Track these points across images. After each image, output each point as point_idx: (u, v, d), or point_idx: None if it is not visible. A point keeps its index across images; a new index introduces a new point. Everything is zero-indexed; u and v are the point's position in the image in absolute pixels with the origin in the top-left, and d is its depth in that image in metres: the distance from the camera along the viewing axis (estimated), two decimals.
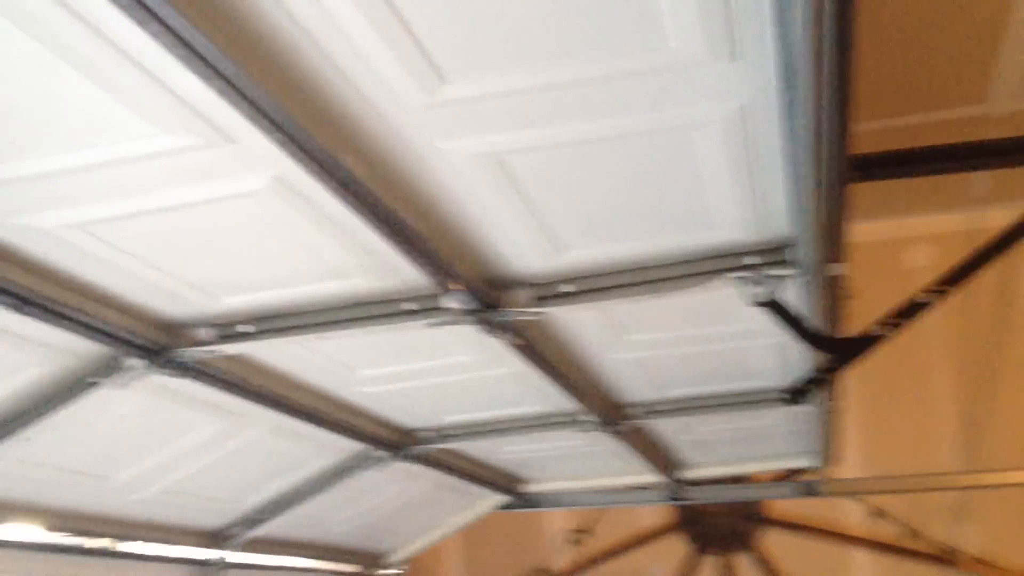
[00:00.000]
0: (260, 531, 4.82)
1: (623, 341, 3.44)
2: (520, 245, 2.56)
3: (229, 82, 1.60)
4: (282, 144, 1.81)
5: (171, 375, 2.94)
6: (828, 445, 5.06)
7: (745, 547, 8.08)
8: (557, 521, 8.45)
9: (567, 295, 2.77)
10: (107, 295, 2.65)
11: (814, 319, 2.71)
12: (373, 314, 2.83)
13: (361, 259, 2.55)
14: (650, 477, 5.99)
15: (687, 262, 2.66)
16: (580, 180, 2.25)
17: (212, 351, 2.92)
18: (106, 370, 2.88)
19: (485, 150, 2.08)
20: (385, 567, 6.67)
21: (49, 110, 1.82)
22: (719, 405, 4.20)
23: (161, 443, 3.65)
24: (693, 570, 8.14)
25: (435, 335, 3.20)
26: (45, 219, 2.21)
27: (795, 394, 2.65)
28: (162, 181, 2.09)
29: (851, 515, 7.81)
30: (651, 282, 2.68)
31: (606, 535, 8.35)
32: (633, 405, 4.35)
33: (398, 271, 2.63)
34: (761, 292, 2.54)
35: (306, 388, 3.69)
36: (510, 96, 1.88)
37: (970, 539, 7.55)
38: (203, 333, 2.91)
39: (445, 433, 4.56)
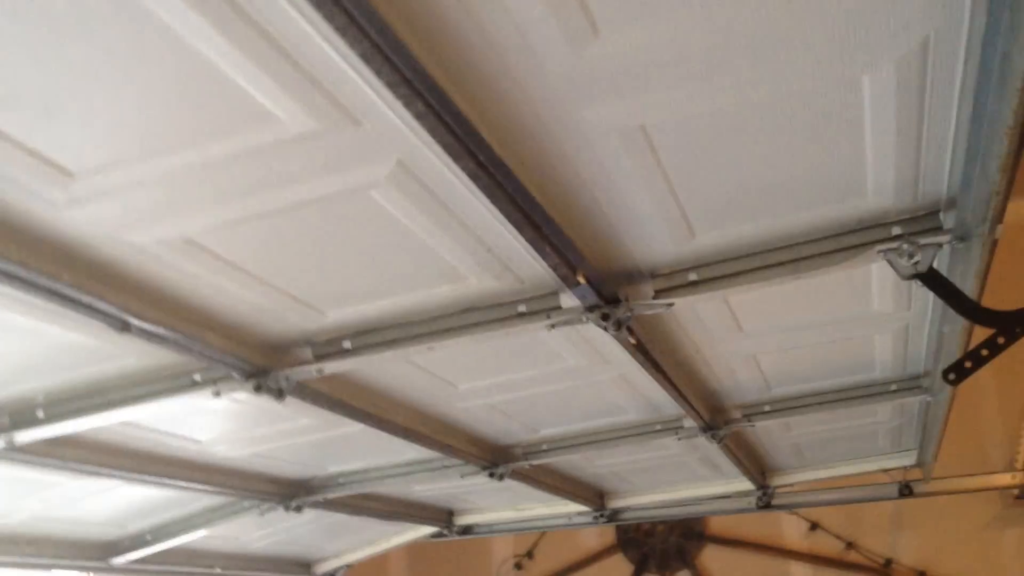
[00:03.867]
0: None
1: (738, 334, 3.22)
2: (649, 231, 2.36)
3: (374, 42, 1.42)
4: (420, 117, 1.62)
5: (271, 397, 2.76)
6: (937, 439, 4.80)
7: (684, 565, 8.11)
8: (501, 545, 8.39)
9: (693, 284, 2.56)
10: (208, 315, 2.48)
11: (967, 289, 2.48)
12: (488, 319, 2.63)
13: (479, 256, 2.37)
14: (741, 484, 5.76)
15: (828, 237, 2.44)
16: (727, 150, 2.04)
17: (316, 370, 2.74)
18: (204, 384, 2.73)
19: (630, 117, 1.88)
20: None
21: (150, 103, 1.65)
22: (833, 401, 3.96)
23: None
24: None
25: (544, 340, 3.02)
26: (144, 232, 2.04)
27: (957, 373, 2.41)
28: (273, 178, 1.91)
29: (789, 529, 7.76)
30: (788, 263, 2.47)
31: (550, 558, 8.28)
32: (738, 407, 4.12)
33: (517, 268, 2.44)
34: (917, 263, 2.32)
35: (406, 405, 3.50)
36: (663, 47, 1.69)
37: (906, 550, 7.51)
38: (306, 352, 2.74)
39: (540, 448, 4.35)
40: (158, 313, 2.32)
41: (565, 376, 3.46)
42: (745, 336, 3.24)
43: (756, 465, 5.47)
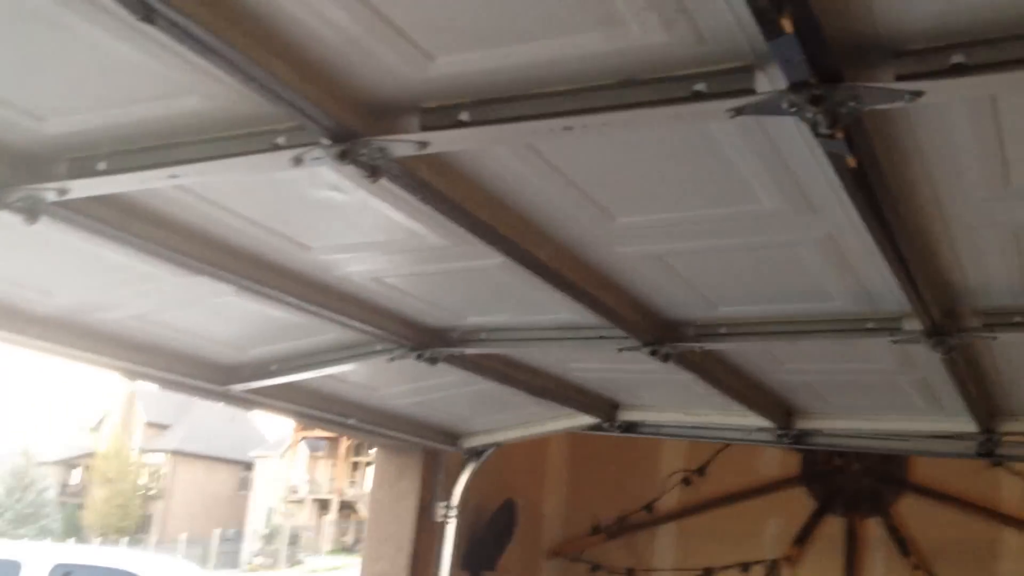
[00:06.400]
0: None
1: (1009, 186, 2.34)
2: None
3: None
4: None
5: (361, 172, 2.14)
6: None
7: (877, 511, 6.85)
8: (671, 456, 7.43)
9: (959, 69, 1.71)
10: (280, 37, 1.85)
11: None
12: (650, 98, 1.89)
13: None
14: (960, 424, 4.81)
15: None
16: None
17: (418, 142, 2.09)
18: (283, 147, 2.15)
19: None
20: None
21: None
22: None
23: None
24: (814, 528, 7.00)
25: (731, 162, 2.27)
26: None
27: None
28: None
29: (1009, 490, 6.48)
30: None
31: (723, 480, 7.25)
32: (979, 314, 3.21)
33: (698, 12, 1.69)
34: None
35: (552, 238, 2.81)
36: None
37: None
38: (408, 120, 2.08)
39: (717, 330, 3.58)
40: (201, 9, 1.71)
41: (756, 228, 2.69)
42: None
43: (984, 400, 4.48)
